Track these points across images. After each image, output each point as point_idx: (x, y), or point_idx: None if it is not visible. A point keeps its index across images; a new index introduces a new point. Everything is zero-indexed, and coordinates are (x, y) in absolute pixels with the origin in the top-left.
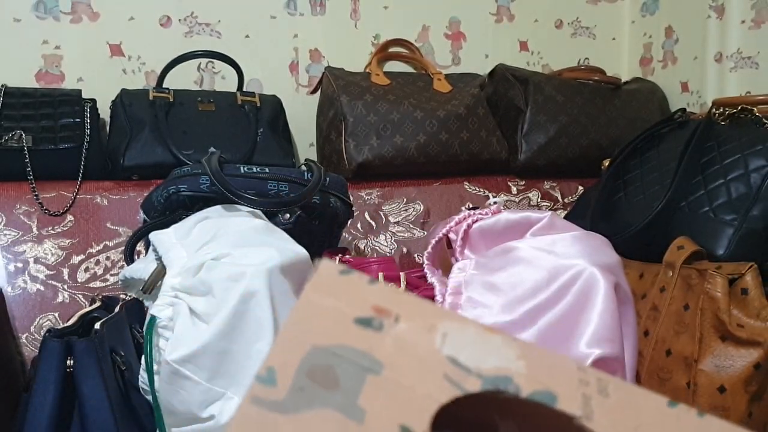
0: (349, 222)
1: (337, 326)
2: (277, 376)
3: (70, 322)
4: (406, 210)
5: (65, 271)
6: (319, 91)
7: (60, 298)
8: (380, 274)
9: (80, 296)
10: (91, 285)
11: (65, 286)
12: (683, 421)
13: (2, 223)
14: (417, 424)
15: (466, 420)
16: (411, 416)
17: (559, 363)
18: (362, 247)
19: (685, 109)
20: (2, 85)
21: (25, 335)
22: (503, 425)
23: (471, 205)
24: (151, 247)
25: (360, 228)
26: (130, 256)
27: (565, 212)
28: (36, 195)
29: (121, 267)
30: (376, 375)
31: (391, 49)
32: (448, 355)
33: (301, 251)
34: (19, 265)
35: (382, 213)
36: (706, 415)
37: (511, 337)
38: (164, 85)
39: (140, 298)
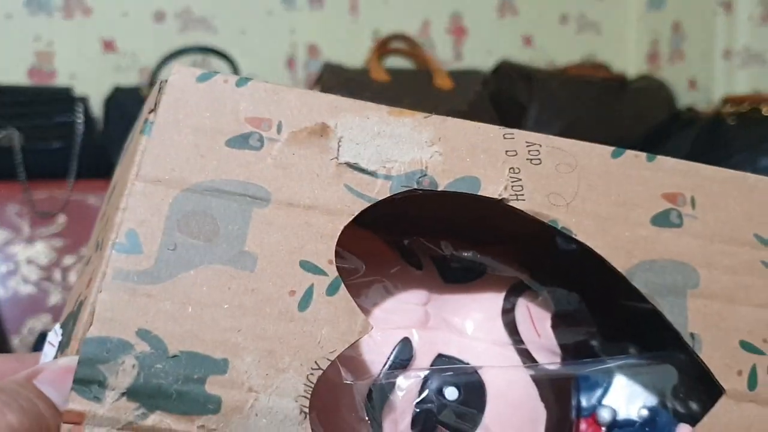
0: None
1: (204, 155)
2: (140, 238)
3: None
4: None
5: (57, 273)
6: (318, 87)
7: (53, 300)
8: None
9: None
10: None
11: (58, 288)
12: (629, 172)
13: None
14: (320, 255)
15: (382, 237)
16: (311, 248)
17: (481, 136)
18: None
19: (692, 107)
20: None
21: (18, 338)
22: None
23: None
24: None
25: None
26: None
27: None
28: (28, 195)
29: None
30: (262, 207)
31: (392, 45)
32: (347, 161)
33: None
34: (11, 266)
35: None
36: (657, 158)
37: (423, 116)
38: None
39: None
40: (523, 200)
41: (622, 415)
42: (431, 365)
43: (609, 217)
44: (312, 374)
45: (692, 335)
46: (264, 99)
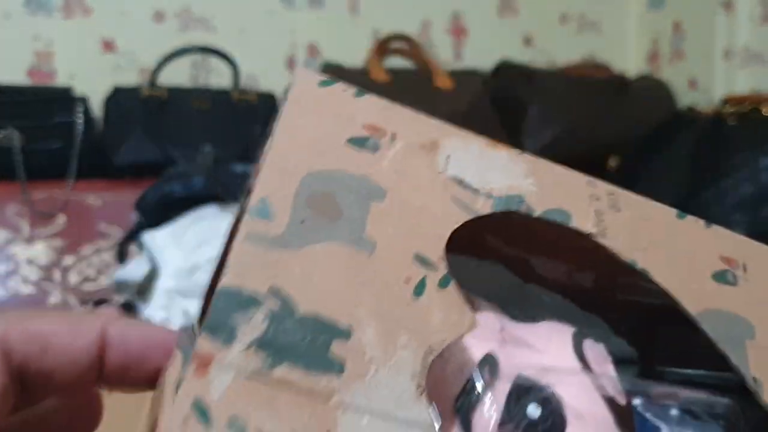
0: None
1: (328, 149)
2: (273, 207)
3: None
4: None
5: (57, 273)
6: None
7: (53, 300)
8: None
9: (73, 298)
10: (83, 287)
11: (57, 288)
12: (692, 232)
13: None
14: (431, 251)
15: (476, 246)
16: (423, 244)
17: (568, 178)
18: None
19: (693, 107)
20: None
21: None
22: (509, 251)
23: None
24: (144, 248)
25: None
26: (122, 257)
27: None
28: (27, 195)
29: (116, 268)
30: (380, 202)
31: (392, 45)
32: (454, 176)
33: None
34: (11, 266)
35: None
36: (713, 226)
37: (517, 152)
38: (158, 82)
39: (133, 301)
40: (608, 238)
41: None
42: (512, 383)
43: (677, 267)
44: (426, 357)
45: (755, 379)
46: (379, 111)
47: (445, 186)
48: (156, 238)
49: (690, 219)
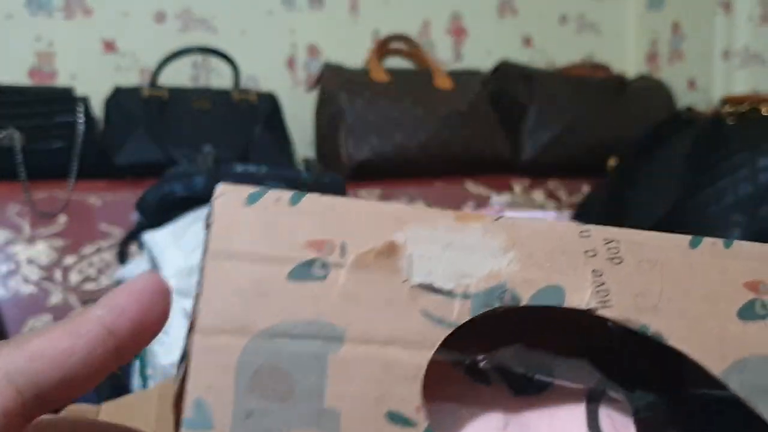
0: None
1: (267, 293)
2: (210, 410)
3: None
4: None
5: (58, 273)
6: (318, 87)
7: (53, 300)
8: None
9: (73, 298)
10: (84, 287)
11: (58, 288)
12: (708, 262)
13: None
14: (406, 404)
15: (456, 382)
16: (396, 393)
17: (557, 234)
18: None
19: (691, 107)
20: None
21: None
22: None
23: (473, 206)
24: (145, 248)
25: None
26: (122, 257)
27: (571, 212)
28: (28, 195)
29: (116, 268)
30: (337, 350)
31: (392, 45)
32: (421, 283)
33: None
34: (12, 266)
35: None
36: (734, 244)
37: (491, 220)
38: (159, 82)
39: None
40: (611, 306)
41: None
42: None
43: (697, 315)
44: None
45: None
46: (322, 217)
47: (413, 298)
48: (156, 238)
49: (706, 243)
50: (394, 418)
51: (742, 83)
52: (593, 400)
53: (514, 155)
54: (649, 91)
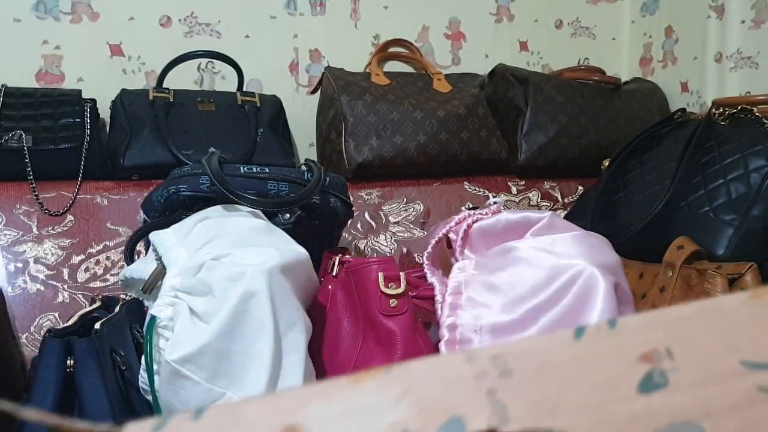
0: (349, 222)
1: None
2: None
3: (70, 322)
4: (406, 210)
5: (65, 271)
6: (319, 91)
7: (60, 298)
8: (380, 274)
9: (80, 296)
10: (91, 285)
11: (65, 286)
12: (596, 348)
13: (2, 223)
14: None
15: None
16: None
17: (445, 368)
18: (362, 247)
19: (684, 109)
20: (2, 85)
21: (25, 335)
22: None
23: (471, 205)
24: (151, 247)
25: (360, 228)
26: (130, 256)
27: (565, 212)
28: (36, 195)
29: (121, 267)
30: None
31: (391, 49)
32: None
33: (301, 251)
34: (19, 265)
35: (382, 213)
36: (618, 321)
37: (383, 371)
38: (164, 85)
39: (140, 298)
40: (512, 420)
41: None
42: None
43: (597, 404)
44: None
45: None
46: (223, 425)
47: None
48: (162, 238)
49: (590, 331)
50: None
51: (735, 86)
52: None
53: (511, 157)
54: (643, 93)
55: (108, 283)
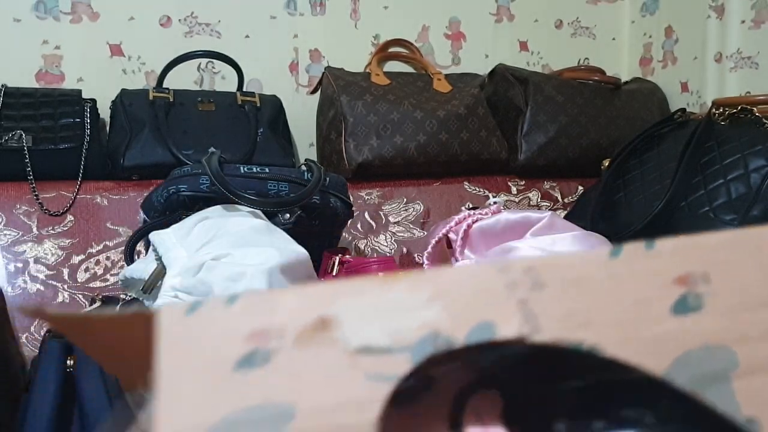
0: (349, 222)
1: (217, 389)
2: None
3: None
4: (406, 210)
5: (65, 271)
6: (319, 91)
7: (60, 298)
8: (380, 274)
9: (80, 296)
10: (91, 285)
11: (65, 286)
12: (632, 267)
13: (2, 223)
14: None
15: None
16: None
17: (476, 276)
18: (362, 247)
19: (684, 109)
20: (2, 85)
21: (25, 335)
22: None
23: (471, 205)
24: (151, 247)
25: (360, 228)
26: (130, 256)
27: (565, 212)
28: (36, 195)
29: (121, 267)
30: (288, 428)
31: (391, 49)
32: (358, 347)
33: (301, 251)
34: (19, 265)
35: (382, 213)
36: (656, 243)
37: (415, 274)
38: (164, 85)
39: (140, 298)
40: (541, 330)
41: None
42: None
43: (629, 321)
44: None
45: (749, 420)
46: (258, 309)
47: (353, 363)
48: (162, 238)
49: (627, 250)
50: None
51: (735, 86)
52: (463, 396)
53: (511, 157)
54: (643, 93)
55: (108, 283)
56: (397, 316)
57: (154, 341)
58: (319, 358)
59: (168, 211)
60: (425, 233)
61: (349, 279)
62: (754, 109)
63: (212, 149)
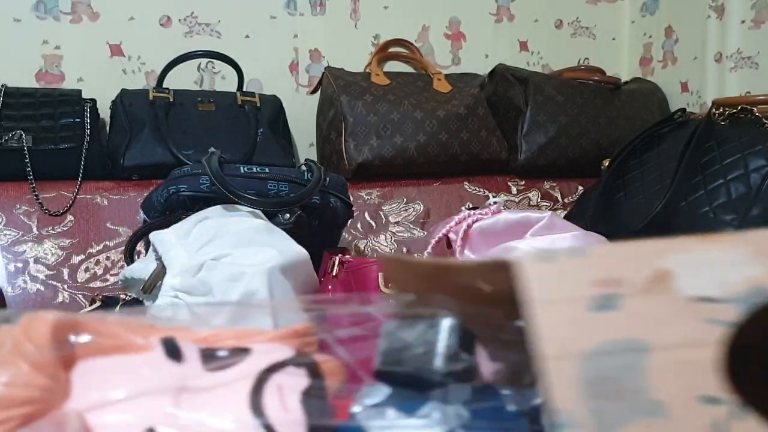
0: (349, 222)
1: (578, 324)
2: (567, 414)
3: None
4: (406, 210)
5: (65, 271)
6: (319, 91)
7: (60, 298)
8: (380, 274)
9: (80, 296)
10: (91, 285)
11: (65, 286)
12: None
13: (2, 223)
14: (714, 388)
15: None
16: (702, 381)
17: None
18: (362, 247)
19: (684, 109)
20: (2, 85)
21: None
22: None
23: (471, 205)
24: (151, 247)
25: (360, 228)
26: (130, 256)
27: (565, 212)
28: (36, 195)
29: (121, 267)
30: (647, 358)
31: (391, 49)
32: (694, 296)
33: (301, 251)
34: (19, 265)
35: (382, 213)
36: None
37: (730, 235)
38: (164, 85)
39: (140, 298)
40: None
41: None
42: None
43: None
44: None
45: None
46: (603, 262)
47: (690, 310)
48: (162, 238)
49: None
50: (707, 400)
51: (735, 86)
52: (270, 371)
53: (511, 157)
54: (643, 93)
55: (108, 283)
56: (725, 270)
57: (519, 283)
58: (662, 305)
59: (168, 211)
60: (425, 233)
61: (672, 238)
62: (754, 109)
63: (212, 149)
